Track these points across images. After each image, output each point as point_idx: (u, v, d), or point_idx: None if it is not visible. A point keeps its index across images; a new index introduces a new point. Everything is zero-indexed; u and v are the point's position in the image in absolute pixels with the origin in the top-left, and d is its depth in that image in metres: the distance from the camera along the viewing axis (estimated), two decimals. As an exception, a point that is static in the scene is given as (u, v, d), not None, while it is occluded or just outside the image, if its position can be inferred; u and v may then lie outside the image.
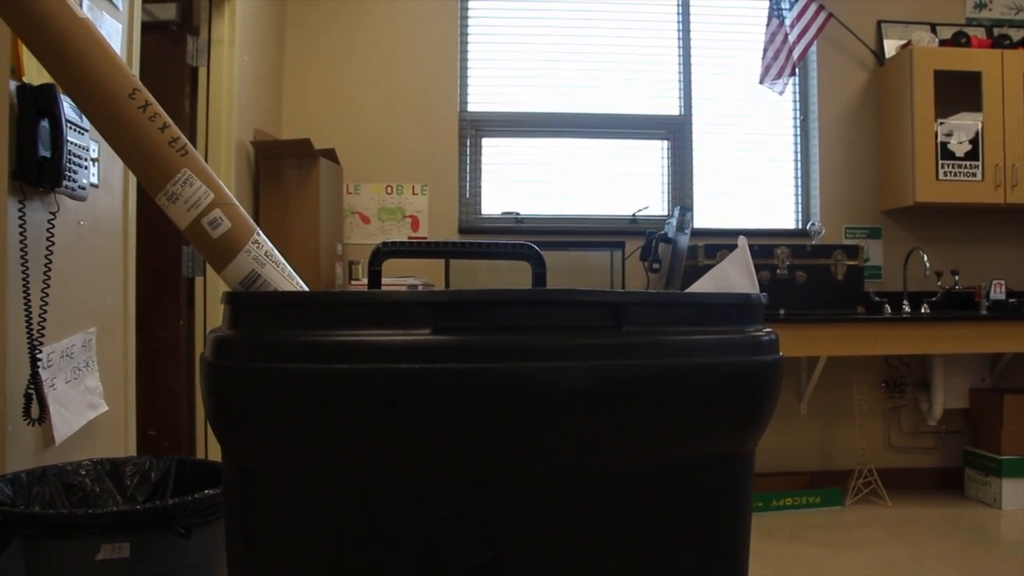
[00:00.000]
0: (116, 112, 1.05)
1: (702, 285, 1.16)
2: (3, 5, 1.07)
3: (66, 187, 1.84)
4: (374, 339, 0.85)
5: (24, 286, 1.73)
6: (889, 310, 4.40)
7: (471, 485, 0.90)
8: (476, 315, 0.89)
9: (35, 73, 1.76)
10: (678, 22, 4.77)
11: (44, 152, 1.73)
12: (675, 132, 4.75)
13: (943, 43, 4.56)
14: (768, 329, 1.04)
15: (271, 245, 1.13)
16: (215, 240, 1.07)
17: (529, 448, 0.90)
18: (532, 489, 0.91)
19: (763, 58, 4.55)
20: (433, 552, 0.89)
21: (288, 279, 1.12)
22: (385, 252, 1.14)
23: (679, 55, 4.76)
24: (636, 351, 0.93)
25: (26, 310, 1.74)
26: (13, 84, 1.71)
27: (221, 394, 0.90)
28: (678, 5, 4.77)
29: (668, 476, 0.97)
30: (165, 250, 3.26)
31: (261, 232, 1.12)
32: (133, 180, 2.31)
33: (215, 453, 3.36)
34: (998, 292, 4.42)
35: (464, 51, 4.66)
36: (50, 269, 1.79)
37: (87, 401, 2.04)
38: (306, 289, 1.17)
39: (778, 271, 4.20)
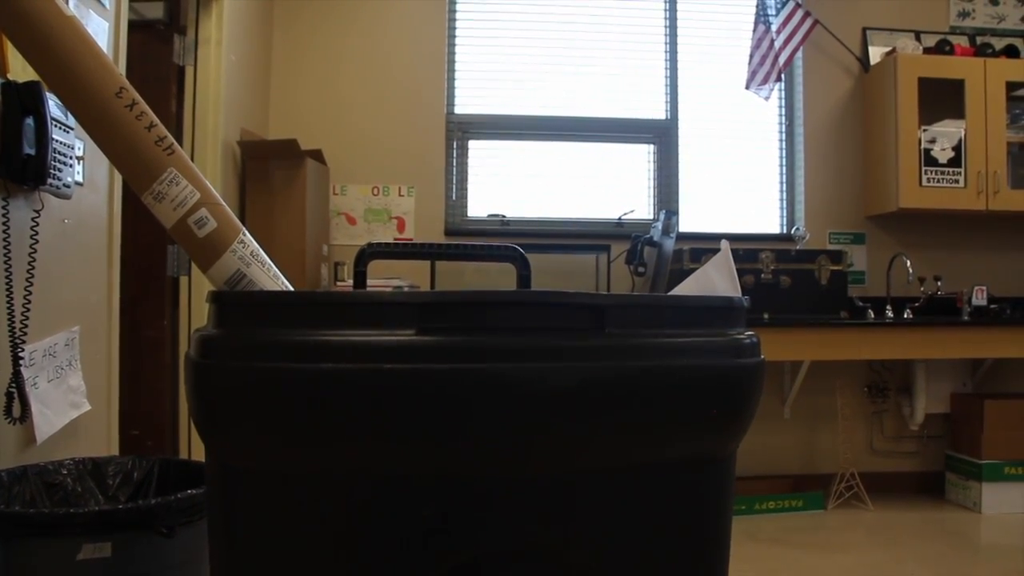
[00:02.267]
0: (102, 111, 1.05)
1: (685, 288, 1.17)
2: (-9, 4, 1.07)
3: (51, 185, 1.83)
4: (359, 339, 0.86)
5: (7, 284, 1.72)
6: (872, 315, 4.42)
7: (455, 484, 0.90)
8: (460, 316, 0.90)
9: (20, 70, 1.75)
10: (665, 27, 4.79)
11: (29, 150, 1.72)
12: (661, 136, 4.76)
13: (927, 51, 4.60)
14: (750, 332, 1.05)
15: (257, 245, 1.13)
16: (201, 239, 1.07)
17: (512, 448, 0.90)
18: (515, 488, 0.92)
19: (749, 63, 4.57)
20: (417, 550, 0.90)
21: (273, 279, 1.12)
22: (371, 253, 1.14)
23: (666, 60, 4.78)
24: (618, 353, 0.93)
25: (8, 308, 1.73)
26: (-2, 81, 1.70)
27: (205, 393, 0.90)
28: (665, 10, 4.79)
29: (650, 477, 0.98)
30: (150, 249, 3.24)
31: (247, 232, 1.12)
32: (118, 179, 2.31)
33: (199, 453, 3.35)
34: (980, 298, 4.45)
35: (452, 53, 4.66)
36: (34, 267, 1.78)
37: (69, 400, 2.03)
38: (291, 289, 1.17)
39: (762, 275, 4.22)
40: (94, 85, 1.06)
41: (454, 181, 4.62)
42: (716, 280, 1.14)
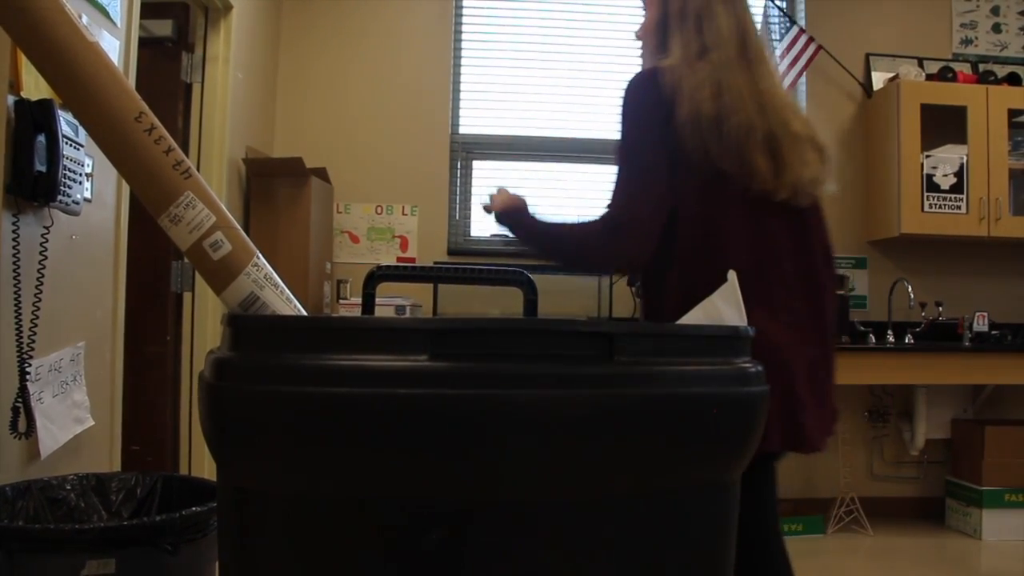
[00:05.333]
0: (123, 135, 1.07)
1: (692, 317, 1.18)
2: (17, 31, 1.09)
3: (60, 202, 1.85)
4: (373, 364, 0.87)
5: (16, 299, 1.74)
6: (873, 340, 4.43)
7: (464, 509, 0.91)
8: (473, 342, 0.91)
9: (33, 88, 1.77)
10: (669, 50, 4.81)
11: (40, 167, 1.74)
12: (664, 158, 4.77)
13: (930, 77, 4.63)
14: (756, 361, 1.07)
15: (270, 268, 1.14)
16: (215, 262, 1.08)
17: (521, 473, 0.91)
18: (524, 514, 0.93)
19: (753, 88, 4.59)
20: (426, 574, 0.90)
21: (287, 302, 1.13)
22: (380, 275, 1.16)
23: (670, 83, 4.80)
24: (627, 381, 0.94)
25: (16, 323, 1.75)
26: (11, 99, 1.72)
27: (220, 415, 0.91)
28: (670, 33, 4.82)
29: (658, 503, 0.99)
30: (153, 265, 3.25)
31: (261, 255, 1.14)
32: (125, 195, 2.32)
33: (199, 469, 3.35)
34: (981, 324, 4.46)
35: (457, 74, 4.69)
36: (42, 283, 1.80)
37: (73, 415, 2.04)
38: (304, 312, 1.19)
39: (764, 299, 4.22)
40: (115, 110, 1.07)
41: (457, 201, 4.64)
42: (723, 309, 1.15)
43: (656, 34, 1.75)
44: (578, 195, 4.72)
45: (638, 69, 1.72)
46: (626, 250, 1.61)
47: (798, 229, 1.67)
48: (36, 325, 1.78)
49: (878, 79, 4.75)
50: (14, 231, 1.74)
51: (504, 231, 1.92)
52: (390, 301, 3.84)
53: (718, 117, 1.55)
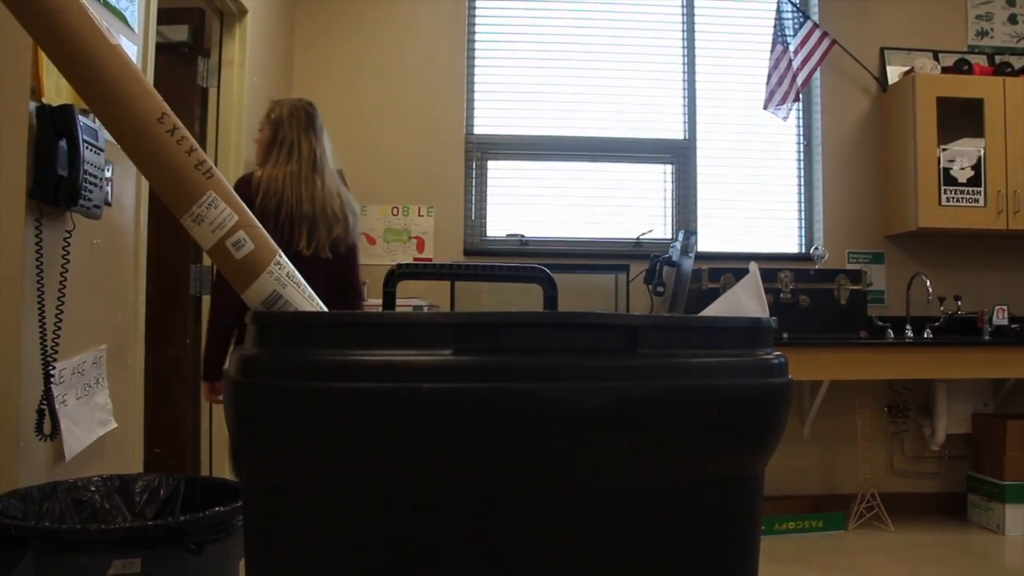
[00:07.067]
0: (146, 136, 1.08)
1: (714, 309, 1.18)
2: (41, 34, 1.10)
3: (82, 206, 1.86)
4: (398, 359, 0.87)
5: (39, 303, 1.75)
6: (892, 335, 4.41)
7: (490, 502, 0.91)
8: (497, 336, 0.91)
9: (54, 93, 1.79)
10: (683, 48, 4.82)
11: (61, 171, 1.76)
12: (680, 156, 4.78)
13: (945, 70, 4.60)
14: (777, 352, 1.06)
15: (292, 267, 1.15)
16: (238, 261, 1.09)
17: (546, 467, 0.91)
18: (549, 507, 0.93)
19: (767, 84, 4.58)
20: (452, 568, 0.91)
21: (308, 300, 1.14)
22: (400, 274, 1.16)
23: (684, 80, 4.80)
24: (651, 373, 0.94)
25: (40, 327, 1.76)
26: (33, 104, 1.74)
27: (246, 411, 0.91)
28: (683, 31, 4.82)
29: (679, 496, 0.99)
30: (172, 268, 3.28)
31: (283, 254, 1.15)
32: (145, 199, 2.34)
33: (220, 471, 3.36)
34: (1001, 318, 4.43)
35: (471, 74, 4.70)
36: (64, 287, 1.81)
37: (97, 418, 2.06)
38: (326, 310, 1.19)
39: (781, 295, 4.22)
40: (138, 111, 1.08)
41: (473, 201, 4.65)
42: (745, 301, 1.15)
43: (264, 149, 2.87)
44: (592, 194, 4.73)
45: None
46: (225, 302, 2.66)
47: (325, 267, 2.78)
48: (59, 328, 1.79)
49: (893, 73, 4.73)
50: (37, 235, 1.76)
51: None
52: (407, 302, 3.85)
53: (277, 209, 2.68)
